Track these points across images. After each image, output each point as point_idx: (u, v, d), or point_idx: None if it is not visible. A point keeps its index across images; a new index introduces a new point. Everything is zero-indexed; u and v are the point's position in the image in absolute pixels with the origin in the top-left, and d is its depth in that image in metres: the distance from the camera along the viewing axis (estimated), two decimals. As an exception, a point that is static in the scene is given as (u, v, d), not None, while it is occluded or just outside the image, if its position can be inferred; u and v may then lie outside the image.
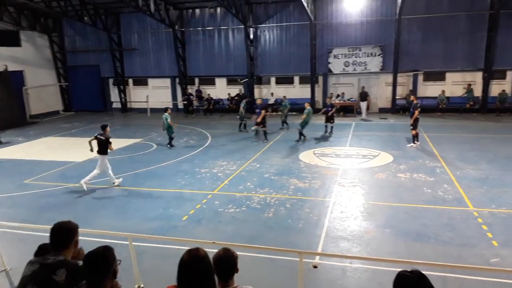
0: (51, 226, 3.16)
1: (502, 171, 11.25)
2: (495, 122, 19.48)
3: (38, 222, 8.02)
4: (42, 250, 3.33)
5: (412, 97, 15.69)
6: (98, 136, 10.93)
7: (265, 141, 16.44)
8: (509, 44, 21.17)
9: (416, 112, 14.60)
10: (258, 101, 18.13)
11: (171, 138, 15.99)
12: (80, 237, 3.27)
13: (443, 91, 22.41)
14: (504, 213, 8.36)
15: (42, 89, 27.22)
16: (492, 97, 21.89)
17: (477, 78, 22.29)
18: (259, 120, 16.68)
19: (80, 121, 24.49)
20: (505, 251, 6.74)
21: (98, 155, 11.02)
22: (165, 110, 16.09)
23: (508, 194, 9.43)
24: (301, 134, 16.24)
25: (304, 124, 16.18)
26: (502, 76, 22.13)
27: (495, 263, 6.34)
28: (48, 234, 3.12)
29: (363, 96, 22.58)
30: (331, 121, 17.41)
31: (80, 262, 2.97)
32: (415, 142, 14.79)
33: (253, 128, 17.63)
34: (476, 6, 21.45)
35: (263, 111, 16.75)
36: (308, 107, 16.50)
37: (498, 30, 20.85)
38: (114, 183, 11.11)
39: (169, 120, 15.61)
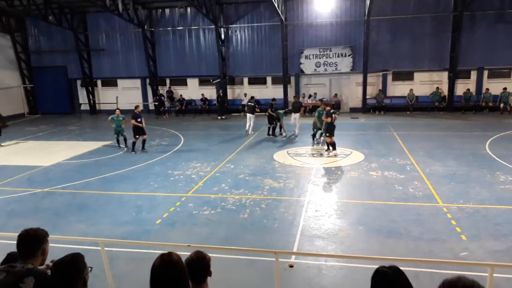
0: (17, 234, 3.02)
1: (469, 167, 11.64)
2: (461, 120, 20.19)
3: (4, 229, 7.69)
4: (10, 258, 3.18)
5: (325, 106, 14.83)
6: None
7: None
8: (472, 45, 22.03)
9: (328, 119, 13.64)
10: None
11: (117, 140, 15.87)
12: (49, 244, 3.13)
13: (411, 90, 23.06)
14: (471, 208, 8.63)
15: (5, 91, 26.19)
16: (457, 96, 22.72)
17: (443, 77, 23.07)
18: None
19: (47, 124, 23.72)
20: (473, 245, 6.95)
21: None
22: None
23: (474, 190, 9.76)
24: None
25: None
26: (467, 75, 23.00)
27: (464, 257, 6.54)
28: (14, 242, 2.98)
29: (296, 107, 17.91)
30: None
31: (49, 271, 2.85)
32: (330, 149, 13.93)
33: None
34: (441, 8, 22.19)
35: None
36: (323, 107, 14.85)
37: (462, 31, 21.64)
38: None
39: (109, 119, 15.62)
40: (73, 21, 25.69)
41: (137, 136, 14.91)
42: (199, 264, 2.85)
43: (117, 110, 15.92)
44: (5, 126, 21.48)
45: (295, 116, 17.63)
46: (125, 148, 15.64)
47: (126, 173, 12.46)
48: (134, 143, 15.03)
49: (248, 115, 17.99)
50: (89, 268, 2.82)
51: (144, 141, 15.20)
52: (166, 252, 2.63)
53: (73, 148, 16.43)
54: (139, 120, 14.87)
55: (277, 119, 17.56)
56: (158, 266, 2.53)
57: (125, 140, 15.85)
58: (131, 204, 9.64)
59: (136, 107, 15.48)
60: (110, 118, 15.78)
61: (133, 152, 14.88)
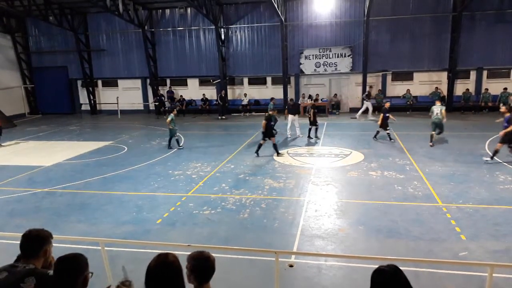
0: (18, 233, 3.04)
1: (468, 167, 11.66)
2: (460, 120, 20.19)
3: (5, 229, 7.73)
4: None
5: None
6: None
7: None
8: (471, 45, 22.05)
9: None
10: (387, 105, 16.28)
11: (169, 139, 15.74)
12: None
13: (408, 90, 23.12)
14: (470, 207, 8.66)
15: (6, 92, 26.23)
16: (457, 96, 22.73)
17: (442, 78, 23.09)
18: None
19: (48, 124, 23.74)
20: (472, 244, 6.98)
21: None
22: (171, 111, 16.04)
23: (473, 190, 9.79)
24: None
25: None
26: (466, 76, 23.01)
27: (464, 257, 6.56)
28: (14, 242, 3.00)
29: (294, 108, 17.65)
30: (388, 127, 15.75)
31: (51, 272, 2.85)
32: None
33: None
34: (440, 8, 22.22)
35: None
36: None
37: (461, 31, 21.65)
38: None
39: (168, 120, 15.39)
40: (74, 22, 25.73)
41: (266, 139, 14.17)
42: (203, 264, 2.82)
43: (174, 110, 16.04)
44: (13, 126, 21.87)
45: (293, 118, 17.27)
46: (182, 148, 15.58)
47: (127, 173, 12.49)
48: (260, 145, 14.25)
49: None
50: (90, 274, 2.80)
51: (275, 145, 14.19)
52: (163, 252, 2.64)
53: (74, 148, 16.45)
54: (272, 123, 14.63)
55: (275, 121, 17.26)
56: (153, 266, 2.53)
57: (178, 140, 15.76)
58: (131, 204, 9.67)
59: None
60: (170, 118, 15.20)
61: (255, 154, 14.15)
